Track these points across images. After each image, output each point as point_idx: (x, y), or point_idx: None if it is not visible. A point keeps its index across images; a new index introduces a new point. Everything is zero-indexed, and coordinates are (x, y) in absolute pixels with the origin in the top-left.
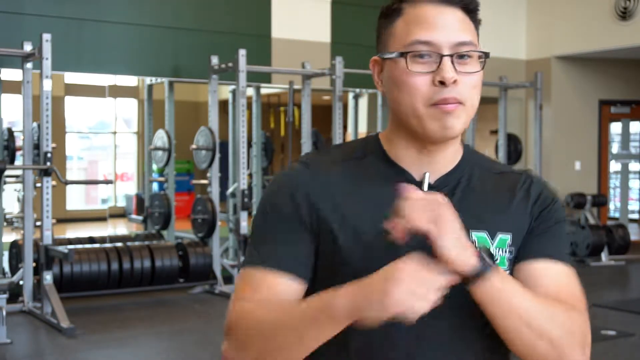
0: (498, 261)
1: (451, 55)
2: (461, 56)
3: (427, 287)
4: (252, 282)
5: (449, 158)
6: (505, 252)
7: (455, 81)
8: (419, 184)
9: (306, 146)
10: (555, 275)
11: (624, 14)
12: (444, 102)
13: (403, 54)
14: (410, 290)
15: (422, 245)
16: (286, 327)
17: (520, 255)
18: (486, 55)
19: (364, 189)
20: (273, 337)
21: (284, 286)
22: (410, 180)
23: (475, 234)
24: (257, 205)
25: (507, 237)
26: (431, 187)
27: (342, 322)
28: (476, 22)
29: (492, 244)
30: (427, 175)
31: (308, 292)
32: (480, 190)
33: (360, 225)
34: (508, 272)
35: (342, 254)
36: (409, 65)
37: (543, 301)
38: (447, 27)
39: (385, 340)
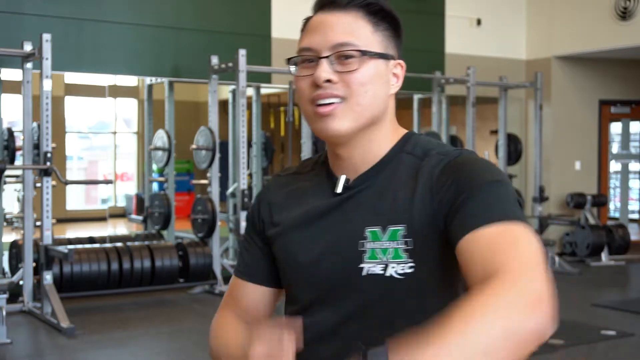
0: (392, 255)
1: (327, 57)
2: (345, 57)
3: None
4: (230, 290)
5: (367, 156)
6: (399, 243)
7: (329, 80)
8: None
9: (306, 146)
10: (475, 246)
11: (624, 14)
12: (319, 98)
13: (289, 61)
14: None
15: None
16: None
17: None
18: (364, 53)
19: (301, 199)
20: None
21: (250, 293)
22: (334, 182)
23: (368, 230)
24: None
25: (399, 229)
26: (347, 188)
27: None
28: (383, 22)
29: (383, 238)
30: (342, 178)
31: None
32: (392, 183)
33: (290, 234)
34: (410, 264)
35: (281, 261)
36: (296, 71)
37: (455, 325)
38: (328, 31)
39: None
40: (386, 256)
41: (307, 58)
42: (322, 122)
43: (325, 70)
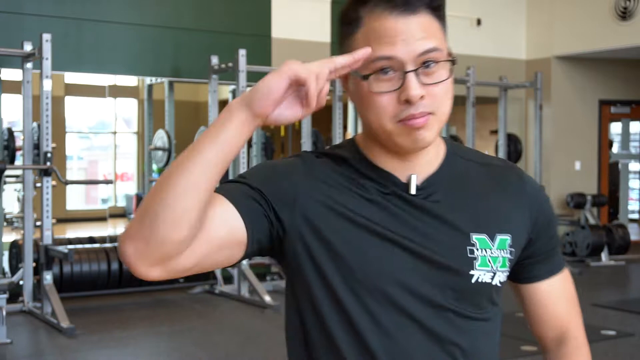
0: (500, 264)
1: (416, 70)
2: (427, 65)
3: (319, 67)
4: None
5: (431, 157)
6: (506, 253)
7: (422, 97)
8: (406, 186)
9: (306, 146)
10: (557, 288)
11: (624, 14)
12: (412, 117)
13: (366, 77)
14: (306, 66)
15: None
16: (176, 166)
17: (523, 274)
18: (451, 61)
19: (352, 191)
20: (159, 191)
21: (226, 211)
22: (396, 182)
23: (475, 237)
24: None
25: (506, 238)
26: (419, 189)
27: (237, 117)
28: (442, 19)
29: (493, 247)
30: (413, 177)
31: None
32: (471, 187)
33: (358, 232)
34: (506, 273)
35: (331, 253)
36: (373, 86)
37: None
38: (408, 38)
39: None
40: (496, 265)
41: (385, 68)
42: (415, 134)
43: (417, 87)
